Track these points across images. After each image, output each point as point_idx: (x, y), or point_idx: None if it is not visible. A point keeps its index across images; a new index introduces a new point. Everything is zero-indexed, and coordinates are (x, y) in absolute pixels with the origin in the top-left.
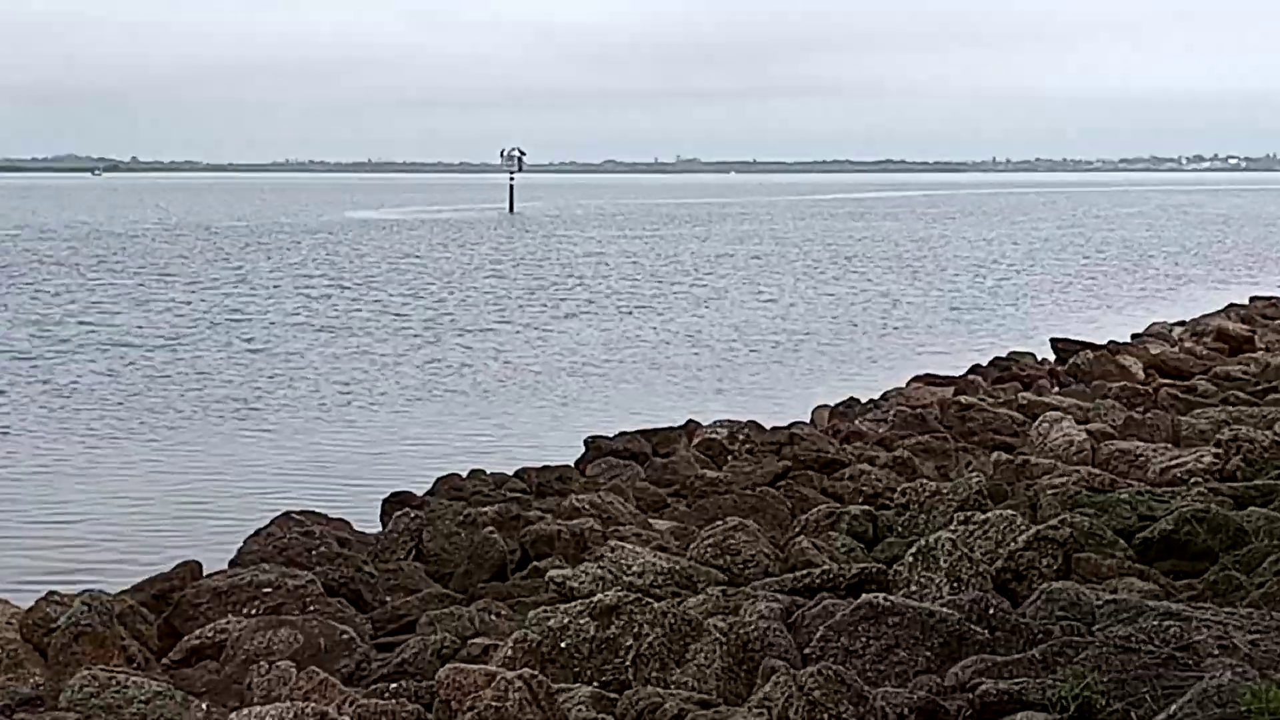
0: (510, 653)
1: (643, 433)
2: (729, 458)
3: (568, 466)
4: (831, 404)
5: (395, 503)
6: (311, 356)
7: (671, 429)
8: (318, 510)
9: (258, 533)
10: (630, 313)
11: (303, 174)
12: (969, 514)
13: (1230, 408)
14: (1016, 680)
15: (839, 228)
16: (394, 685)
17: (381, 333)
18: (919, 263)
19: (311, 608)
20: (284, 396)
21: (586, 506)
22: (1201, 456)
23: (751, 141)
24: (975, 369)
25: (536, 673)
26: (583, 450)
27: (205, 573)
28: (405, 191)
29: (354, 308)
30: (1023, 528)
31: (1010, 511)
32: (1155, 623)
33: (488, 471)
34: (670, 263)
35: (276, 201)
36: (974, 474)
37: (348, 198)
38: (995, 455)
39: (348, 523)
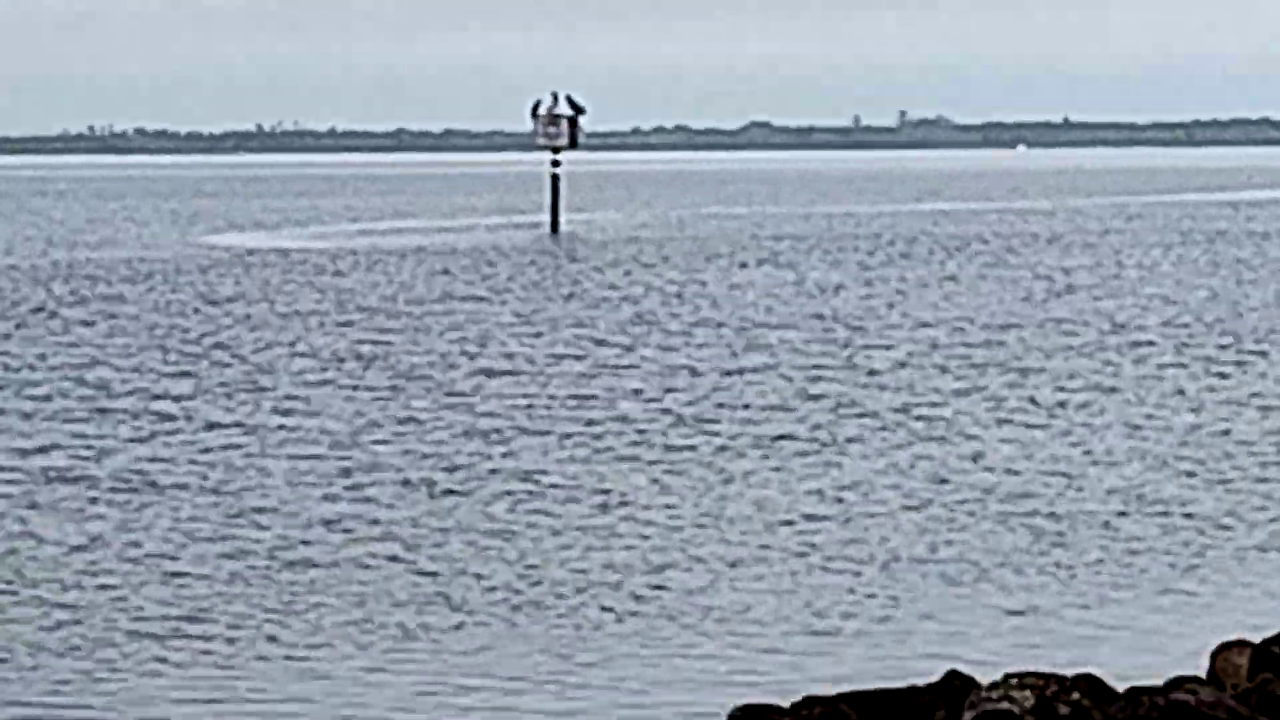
0: None
1: (860, 698)
2: None
3: None
4: (1256, 640)
5: None
6: None
7: (920, 693)
8: None
9: None
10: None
11: (134, 155)
12: None
13: None
14: None
15: None
16: None
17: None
18: None
19: None
20: None
21: None
22: None
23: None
24: None
25: None
26: None
27: None
28: (332, 188)
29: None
30: None
31: None
32: None
33: None
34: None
35: (83, 209)
36: None
37: (211, 207)
38: None
39: None
